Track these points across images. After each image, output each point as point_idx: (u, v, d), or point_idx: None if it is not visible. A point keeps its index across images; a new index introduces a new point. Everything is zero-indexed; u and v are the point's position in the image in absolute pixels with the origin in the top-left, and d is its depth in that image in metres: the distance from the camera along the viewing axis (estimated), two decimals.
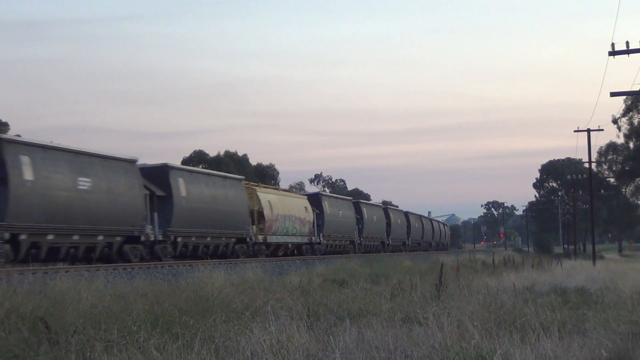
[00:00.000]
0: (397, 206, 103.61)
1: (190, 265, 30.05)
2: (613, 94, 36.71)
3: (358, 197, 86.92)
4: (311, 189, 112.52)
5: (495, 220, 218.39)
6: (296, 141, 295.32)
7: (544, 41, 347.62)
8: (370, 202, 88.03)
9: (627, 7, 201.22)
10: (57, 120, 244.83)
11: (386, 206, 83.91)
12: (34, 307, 11.73)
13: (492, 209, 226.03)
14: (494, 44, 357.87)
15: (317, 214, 55.87)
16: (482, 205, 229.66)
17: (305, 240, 52.34)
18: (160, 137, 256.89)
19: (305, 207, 52.85)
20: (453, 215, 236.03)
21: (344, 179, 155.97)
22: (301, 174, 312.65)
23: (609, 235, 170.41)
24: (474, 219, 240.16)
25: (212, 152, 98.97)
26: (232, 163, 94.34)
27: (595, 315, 13.30)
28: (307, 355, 9.48)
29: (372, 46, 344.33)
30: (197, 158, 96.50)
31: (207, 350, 9.29)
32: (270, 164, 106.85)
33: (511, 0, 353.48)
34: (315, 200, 56.41)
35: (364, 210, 67.67)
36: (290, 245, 49.99)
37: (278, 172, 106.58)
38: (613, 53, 32.72)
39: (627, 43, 32.46)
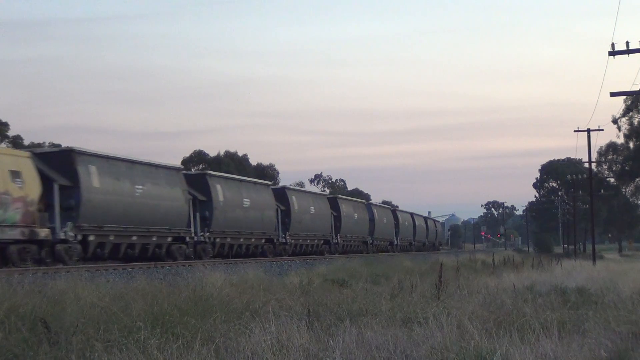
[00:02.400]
0: (397, 206, 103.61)
1: (190, 265, 30.13)
2: (613, 94, 36.69)
3: (358, 197, 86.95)
4: (311, 188, 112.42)
5: (495, 220, 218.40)
6: (296, 141, 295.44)
7: (544, 41, 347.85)
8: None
9: (627, 7, 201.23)
10: (57, 120, 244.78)
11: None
12: (34, 307, 11.73)
13: (492, 209, 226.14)
14: (494, 44, 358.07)
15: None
16: (482, 205, 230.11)
17: (17, 234, 26.60)
18: (160, 137, 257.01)
19: (16, 172, 27.30)
20: (453, 215, 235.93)
21: (344, 179, 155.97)
22: (301, 174, 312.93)
23: (609, 235, 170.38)
24: (474, 219, 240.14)
25: (212, 152, 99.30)
26: (232, 163, 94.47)
27: (595, 315, 13.30)
28: (307, 355, 9.49)
29: (372, 46, 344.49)
30: (197, 158, 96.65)
31: (207, 350, 9.29)
32: (270, 164, 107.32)
33: (511, 1, 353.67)
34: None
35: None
36: None
37: (278, 172, 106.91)
38: (613, 53, 32.72)
39: (627, 43, 32.47)
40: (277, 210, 46.82)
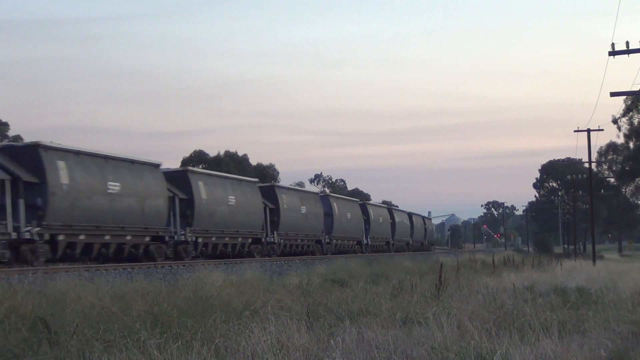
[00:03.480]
0: (397, 206, 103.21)
1: (190, 265, 30.09)
2: (613, 94, 36.68)
3: (357, 197, 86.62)
4: (311, 188, 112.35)
5: (495, 220, 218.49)
6: (296, 141, 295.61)
7: (544, 41, 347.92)
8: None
9: (627, 7, 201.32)
10: (57, 120, 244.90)
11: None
12: (34, 307, 11.73)
13: (492, 209, 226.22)
14: (494, 44, 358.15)
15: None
16: (482, 205, 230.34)
17: None
18: (160, 137, 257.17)
19: None
20: (453, 215, 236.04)
21: (344, 179, 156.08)
22: (301, 174, 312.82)
23: (609, 235, 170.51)
24: (474, 219, 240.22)
25: (212, 152, 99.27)
26: (232, 163, 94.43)
27: (595, 315, 13.30)
28: (307, 355, 9.48)
29: (372, 46, 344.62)
30: (197, 158, 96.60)
31: (207, 350, 9.29)
32: (270, 164, 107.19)
33: (511, 0, 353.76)
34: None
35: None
36: None
37: (278, 172, 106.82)
38: (613, 53, 32.73)
39: (627, 43, 32.48)
40: (172, 199, 36.74)
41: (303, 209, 51.43)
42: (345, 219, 59.73)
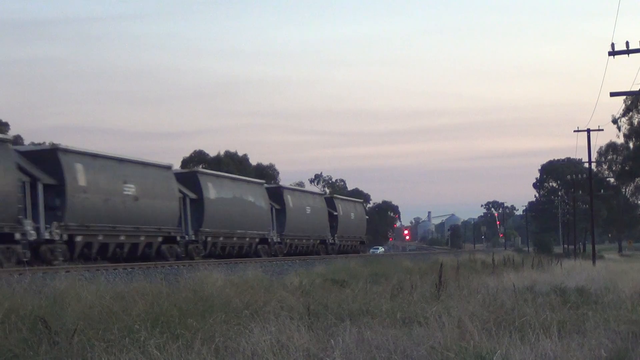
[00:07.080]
0: (396, 205, 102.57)
1: (190, 265, 30.05)
2: (613, 94, 36.71)
3: (357, 197, 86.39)
4: (311, 188, 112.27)
5: (496, 220, 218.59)
6: (296, 141, 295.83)
7: (544, 41, 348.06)
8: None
9: (627, 7, 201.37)
10: (57, 120, 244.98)
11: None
12: (34, 307, 11.72)
13: (492, 209, 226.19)
14: (493, 44, 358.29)
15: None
16: (482, 205, 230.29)
17: None
18: (160, 137, 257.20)
19: None
20: (453, 215, 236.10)
21: (344, 179, 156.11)
22: (301, 174, 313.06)
23: (609, 235, 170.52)
24: (474, 219, 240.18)
25: (212, 152, 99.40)
26: (232, 163, 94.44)
27: (595, 315, 13.30)
28: (307, 355, 9.48)
29: (372, 46, 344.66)
30: (197, 158, 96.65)
31: (207, 350, 9.29)
32: (270, 164, 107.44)
33: (511, 0, 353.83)
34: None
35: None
36: None
37: (278, 172, 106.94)
38: (613, 53, 32.74)
39: (627, 43, 32.51)
40: (29, 185, 28.69)
41: (241, 203, 43.65)
42: (303, 214, 51.36)
